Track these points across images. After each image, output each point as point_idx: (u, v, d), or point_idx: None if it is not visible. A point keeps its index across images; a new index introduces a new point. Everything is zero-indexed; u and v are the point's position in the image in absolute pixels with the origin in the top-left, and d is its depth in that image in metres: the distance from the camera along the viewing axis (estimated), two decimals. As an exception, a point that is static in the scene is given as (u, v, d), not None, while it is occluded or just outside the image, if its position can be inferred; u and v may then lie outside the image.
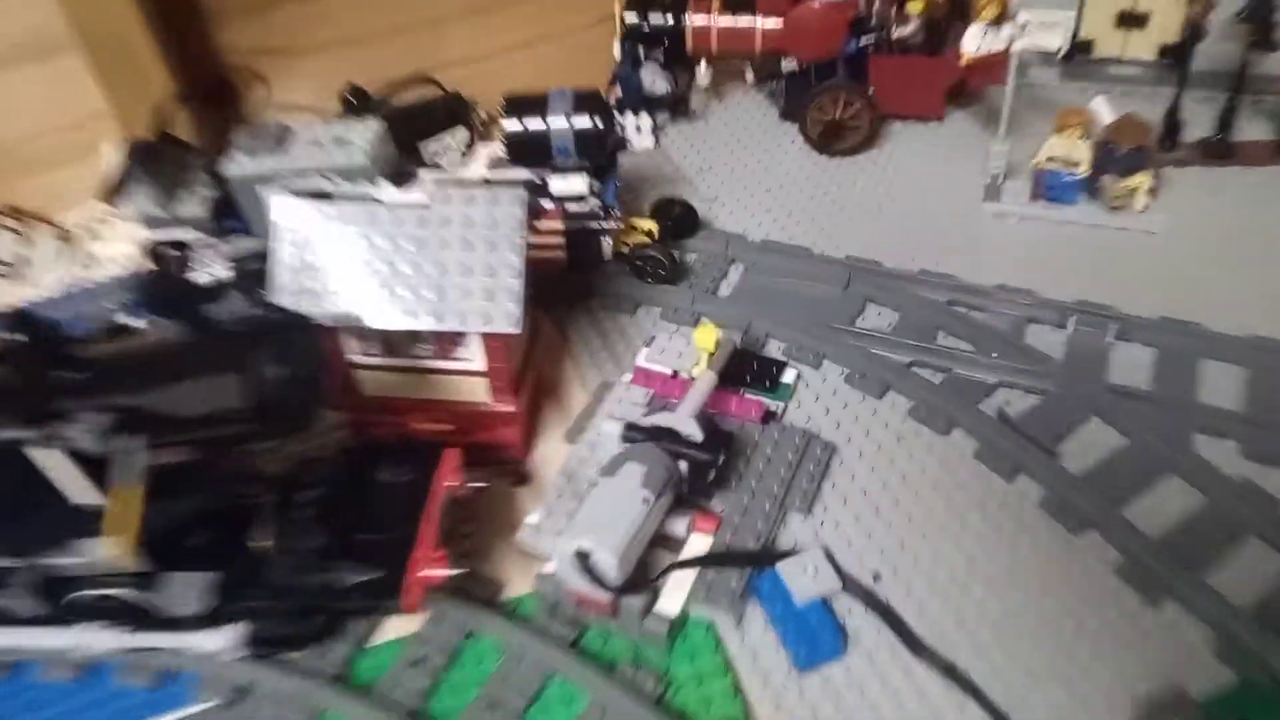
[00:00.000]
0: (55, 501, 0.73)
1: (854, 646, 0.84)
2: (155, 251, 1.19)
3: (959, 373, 1.07)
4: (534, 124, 1.08)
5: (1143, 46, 1.38)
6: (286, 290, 0.88)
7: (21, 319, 0.72)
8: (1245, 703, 0.80)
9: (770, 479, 0.96)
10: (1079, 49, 1.47)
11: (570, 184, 1.14)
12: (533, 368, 1.04)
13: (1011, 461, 0.98)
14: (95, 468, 0.72)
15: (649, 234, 1.21)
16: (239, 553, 0.84)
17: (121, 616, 0.83)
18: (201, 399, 0.69)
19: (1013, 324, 1.13)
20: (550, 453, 1.05)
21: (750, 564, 0.89)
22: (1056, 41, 1.14)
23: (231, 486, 0.85)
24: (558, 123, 1.08)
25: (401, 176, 1.00)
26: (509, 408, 0.97)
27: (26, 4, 1.28)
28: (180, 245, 1.23)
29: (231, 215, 1.16)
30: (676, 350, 1.09)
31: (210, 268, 1.23)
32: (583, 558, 0.82)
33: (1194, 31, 1.27)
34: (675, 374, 1.08)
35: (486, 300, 0.87)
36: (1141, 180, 1.22)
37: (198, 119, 1.30)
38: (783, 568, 0.88)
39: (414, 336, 0.93)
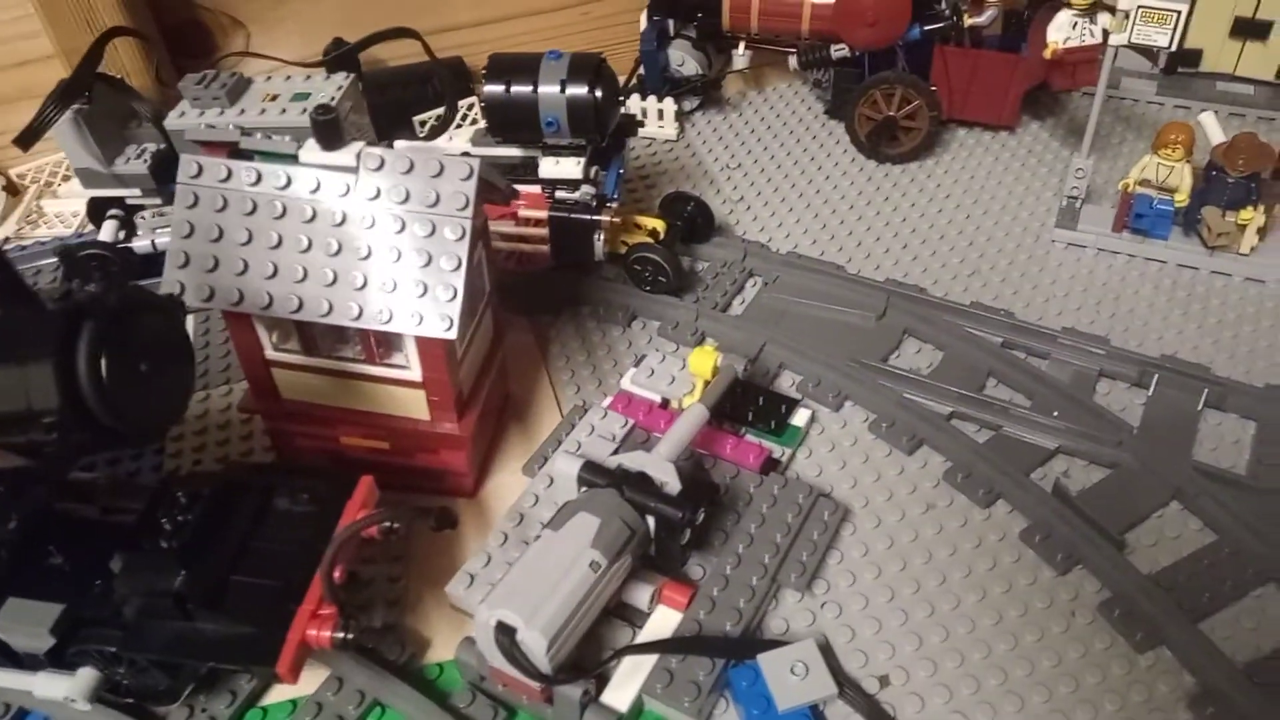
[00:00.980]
0: None
1: (846, 775, 0.68)
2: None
3: (1010, 432, 0.90)
4: (520, 89, 0.91)
5: (1261, 63, 1.18)
6: (184, 265, 0.72)
7: None
8: None
9: (763, 545, 0.78)
10: (1183, 60, 1.27)
11: (562, 167, 0.97)
12: (493, 381, 0.87)
13: (1067, 549, 0.80)
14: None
15: (653, 233, 1.03)
16: (91, 583, 0.68)
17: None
18: (1, 395, 0.52)
19: (1080, 377, 0.95)
20: (507, 483, 0.90)
21: (725, 654, 0.73)
22: (1164, 39, 0.93)
23: (88, 496, 0.69)
24: (549, 90, 0.91)
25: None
26: (451, 428, 0.80)
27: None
28: (123, 205, 1.08)
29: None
30: (669, 374, 0.92)
31: (156, 235, 1.09)
32: (507, 634, 0.65)
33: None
34: (664, 403, 0.90)
35: (418, 296, 0.70)
36: (1251, 216, 1.02)
37: (152, 61, 1.15)
38: (766, 661, 0.72)
39: (337, 332, 0.77)
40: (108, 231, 1.07)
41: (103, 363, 0.54)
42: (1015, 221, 1.15)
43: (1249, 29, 1.16)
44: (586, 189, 0.97)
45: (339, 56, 1.10)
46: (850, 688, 0.71)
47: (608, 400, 0.91)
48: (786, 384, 0.96)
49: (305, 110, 0.93)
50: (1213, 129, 1.02)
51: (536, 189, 0.98)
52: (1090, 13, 1.01)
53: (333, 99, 0.96)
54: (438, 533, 0.71)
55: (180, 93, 1.00)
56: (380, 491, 0.75)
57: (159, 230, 1.08)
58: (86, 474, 0.78)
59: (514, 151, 0.99)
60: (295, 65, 1.01)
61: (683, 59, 1.29)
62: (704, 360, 0.86)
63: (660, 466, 0.76)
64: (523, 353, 1.00)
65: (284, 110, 0.96)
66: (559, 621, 0.66)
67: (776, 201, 1.20)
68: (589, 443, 0.85)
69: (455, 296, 0.70)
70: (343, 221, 0.71)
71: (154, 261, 1.04)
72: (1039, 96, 1.29)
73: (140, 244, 1.08)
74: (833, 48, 1.22)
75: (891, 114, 1.20)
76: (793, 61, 1.26)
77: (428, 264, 0.70)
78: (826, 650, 0.74)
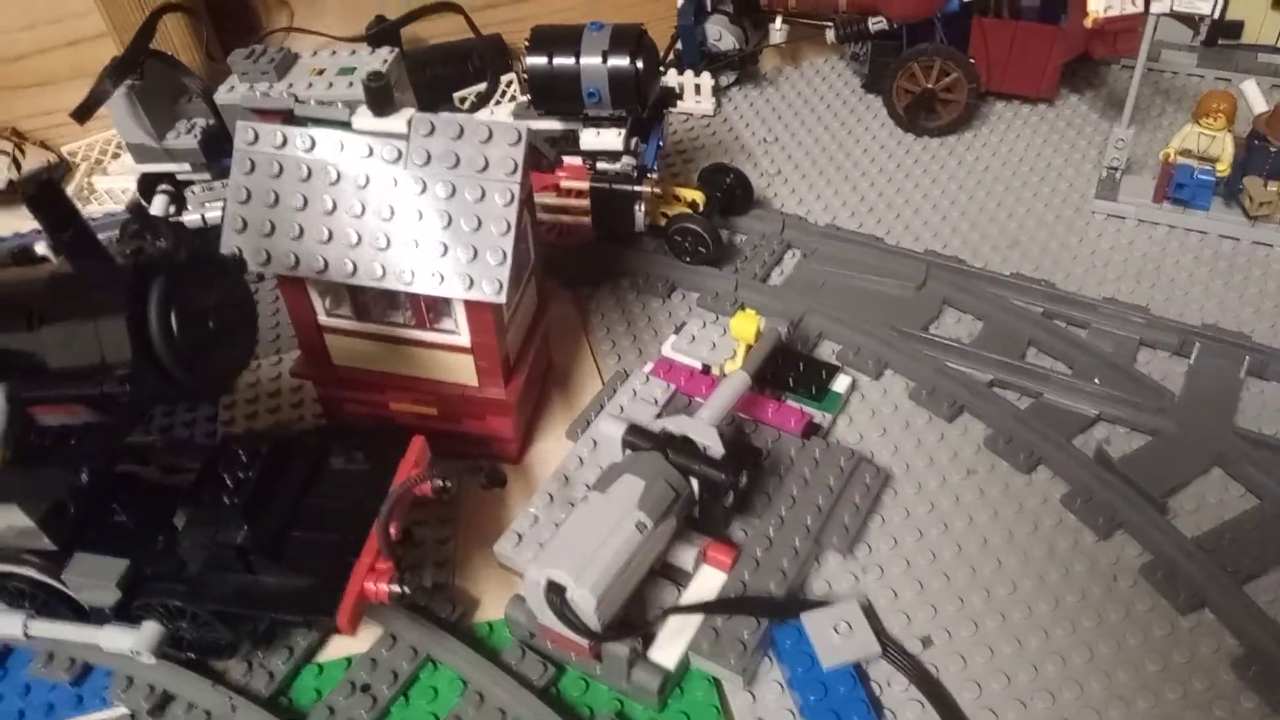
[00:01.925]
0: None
1: (888, 730, 0.68)
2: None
3: (1051, 399, 0.89)
4: (562, 61, 0.92)
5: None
6: (241, 229, 0.73)
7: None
8: None
9: (805, 507, 0.79)
10: (1224, 31, 1.26)
11: (604, 138, 0.97)
12: (537, 349, 0.88)
13: (1109, 513, 0.80)
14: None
15: (692, 205, 1.04)
16: (155, 540, 0.70)
17: (23, 599, 0.71)
18: (75, 348, 0.54)
19: (1121, 346, 0.94)
20: (551, 450, 0.91)
21: (769, 614, 0.74)
22: (1207, 6, 0.93)
23: (146, 457, 0.71)
24: (591, 62, 0.91)
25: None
26: (498, 393, 0.81)
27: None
28: (173, 180, 1.10)
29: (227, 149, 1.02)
30: (709, 340, 0.92)
31: (206, 209, 1.11)
32: (557, 592, 0.67)
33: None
34: (705, 369, 0.91)
35: (468, 261, 0.72)
36: (1294, 186, 1.01)
37: (202, 38, 1.17)
38: (809, 621, 0.72)
39: (389, 298, 0.78)
40: (159, 206, 1.09)
41: (173, 317, 0.56)
42: (1054, 193, 1.15)
43: (1293, -2, 1.15)
44: (627, 160, 0.98)
45: (381, 32, 1.11)
46: (893, 648, 0.72)
47: (649, 366, 0.92)
48: (826, 353, 0.96)
49: (351, 84, 0.94)
50: (1255, 97, 1.01)
51: (578, 161, 0.99)
52: (1133, -20, 1.01)
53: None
54: (487, 490, 0.72)
55: (229, 67, 1.02)
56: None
57: (209, 205, 1.10)
58: (143, 438, 0.81)
59: (555, 124, 1.00)
60: (340, 40, 1.02)
61: (720, 33, 1.29)
62: (747, 324, 0.86)
63: (703, 430, 0.77)
64: (565, 323, 1.01)
65: (330, 84, 0.97)
66: (607, 580, 0.67)
67: (814, 175, 1.20)
68: (632, 406, 0.86)
69: (505, 261, 0.72)
70: (395, 186, 0.72)
71: (203, 236, 1.06)
72: (1077, 68, 1.29)
73: (190, 218, 1.10)
74: (870, 21, 1.22)
75: (930, 87, 1.20)
76: (830, 35, 1.26)
77: (478, 229, 0.72)
78: (869, 611, 0.75)
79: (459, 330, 0.79)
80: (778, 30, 1.30)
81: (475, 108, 1.08)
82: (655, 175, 1.00)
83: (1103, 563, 0.78)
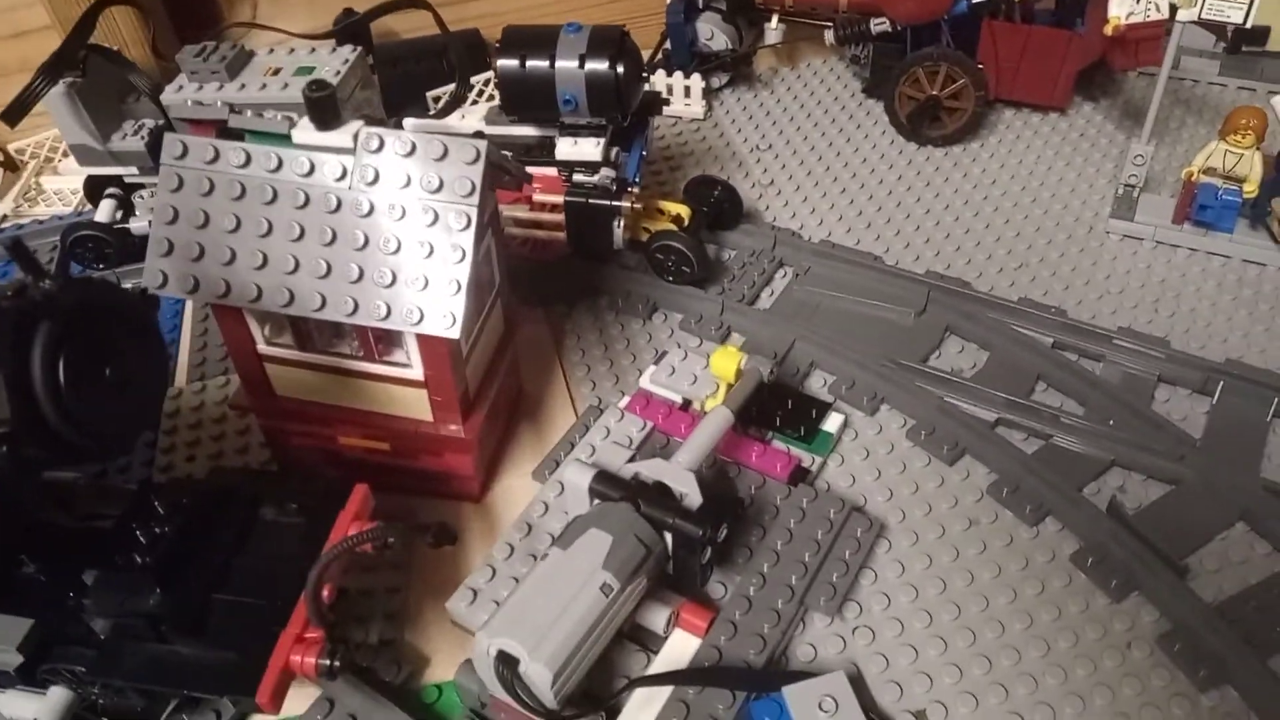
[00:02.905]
0: None
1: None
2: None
3: (1061, 442, 0.83)
4: (536, 65, 0.84)
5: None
6: (167, 253, 0.66)
7: None
8: None
9: (789, 565, 0.72)
10: (1249, 38, 1.18)
11: (581, 148, 0.90)
12: (503, 379, 0.81)
13: (1123, 574, 0.74)
14: None
15: (676, 220, 0.97)
16: (66, 596, 0.63)
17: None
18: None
19: (1138, 383, 0.88)
20: (517, 487, 0.84)
21: (746, 686, 0.67)
22: (1239, 14, 0.85)
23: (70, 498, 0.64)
24: (567, 66, 0.84)
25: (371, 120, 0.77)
26: (455, 430, 0.74)
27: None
28: (121, 184, 1.03)
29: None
30: (690, 373, 0.85)
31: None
32: (509, 665, 0.60)
33: None
34: (685, 404, 0.84)
35: (419, 290, 0.64)
36: (1327, 209, 0.94)
37: (149, 32, 1.09)
38: (791, 695, 0.66)
39: (333, 327, 0.71)
40: (105, 211, 1.02)
41: (60, 369, 0.49)
42: (1067, 210, 1.08)
43: (1325, 4, 1.07)
44: (606, 172, 0.91)
45: (348, 28, 1.04)
46: (883, 723, 0.66)
47: (625, 401, 0.85)
48: (817, 385, 0.89)
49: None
50: (1287, 114, 0.94)
51: (553, 172, 0.92)
52: (1156, -15, 0.93)
53: (337, 73, 0.90)
54: (435, 549, 0.65)
55: (178, 65, 0.94)
56: (381, 493, 0.69)
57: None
58: (66, 474, 0.74)
59: (530, 131, 0.93)
60: (302, 37, 0.95)
61: (711, 32, 1.22)
62: (727, 362, 0.79)
63: (680, 476, 0.70)
64: (536, 346, 0.94)
65: (286, 85, 0.91)
66: (566, 652, 0.60)
67: (809, 186, 1.13)
68: (603, 448, 0.79)
69: (459, 291, 0.64)
70: (338, 208, 0.65)
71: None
72: (1092, 76, 1.22)
73: (138, 225, 1.03)
74: (872, 21, 1.15)
75: (935, 93, 1.13)
76: (829, 36, 1.19)
77: (430, 255, 0.64)
78: (858, 682, 0.68)
79: (411, 363, 0.72)
80: (773, 30, 1.23)
81: (447, 109, 1.01)
82: (637, 188, 0.93)
83: (1116, 630, 0.71)
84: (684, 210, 0.98)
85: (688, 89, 1.22)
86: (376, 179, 0.65)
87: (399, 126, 0.94)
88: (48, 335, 0.48)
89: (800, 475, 0.80)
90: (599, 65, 0.84)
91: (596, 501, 0.70)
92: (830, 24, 1.18)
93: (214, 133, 0.69)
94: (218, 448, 0.87)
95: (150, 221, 1.01)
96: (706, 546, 0.68)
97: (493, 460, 0.85)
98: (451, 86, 1.16)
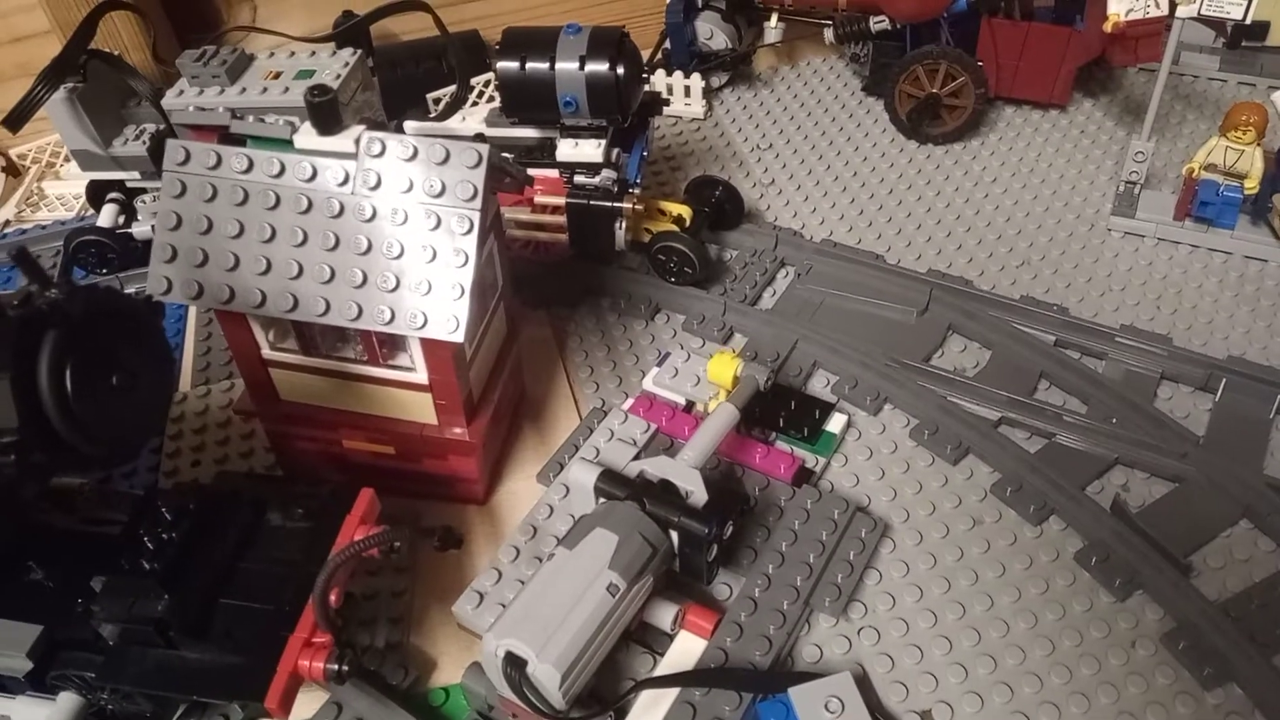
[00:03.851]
0: None
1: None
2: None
3: (1063, 440, 0.83)
4: (536, 66, 0.84)
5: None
6: (170, 259, 0.66)
7: None
8: None
9: (794, 566, 0.72)
10: (1249, 33, 1.19)
11: (582, 150, 0.90)
12: (505, 382, 0.81)
13: (1127, 573, 0.74)
14: None
15: (678, 220, 0.97)
16: (74, 602, 0.63)
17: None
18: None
19: (1140, 380, 0.88)
20: (521, 490, 0.84)
21: (752, 688, 0.67)
22: (1239, 10, 0.85)
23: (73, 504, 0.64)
24: (567, 68, 0.84)
25: (372, 124, 0.77)
26: (460, 433, 0.74)
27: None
28: (123, 189, 1.04)
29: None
30: (693, 374, 0.85)
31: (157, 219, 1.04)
32: (516, 666, 0.60)
33: None
34: (689, 406, 0.84)
35: (422, 294, 0.64)
36: (1328, 205, 0.94)
37: (150, 36, 1.09)
38: (797, 696, 0.66)
39: (338, 332, 0.71)
40: (107, 216, 1.02)
41: (66, 376, 0.49)
42: (1068, 208, 1.08)
43: (1325, -1, 1.07)
44: (607, 173, 0.91)
45: (348, 30, 1.03)
46: (889, 723, 0.66)
47: (628, 403, 0.85)
48: (820, 385, 0.90)
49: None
50: (1288, 109, 0.94)
51: (554, 173, 0.92)
52: (1157, -19, 0.93)
53: (337, 77, 0.90)
54: (441, 552, 0.66)
55: (179, 70, 0.94)
56: (386, 497, 0.69)
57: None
58: (73, 479, 0.74)
59: (530, 133, 0.93)
60: (302, 40, 0.95)
61: (711, 32, 1.22)
62: (724, 368, 0.79)
63: (685, 474, 0.70)
64: (539, 349, 0.94)
65: (286, 89, 0.90)
66: (573, 653, 0.60)
67: (810, 185, 1.13)
68: (607, 449, 0.79)
69: (462, 295, 0.64)
70: (340, 213, 0.65)
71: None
72: (1092, 72, 1.22)
73: (141, 229, 1.03)
74: (872, 19, 1.15)
75: (935, 91, 1.13)
76: (829, 34, 1.19)
77: (432, 259, 0.64)
78: (863, 682, 0.68)
79: (415, 367, 0.72)
80: (773, 29, 1.23)
81: (447, 111, 1.01)
82: (638, 189, 0.93)
83: (1120, 628, 0.72)
84: (685, 211, 0.98)
85: (688, 89, 1.22)
86: (379, 183, 0.65)
87: (399, 129, 0.94)
88: (54, 343, 0.48)
89: (804, 476, 0.80)
90: (599, 67, 0.84)
91: (602, 500, 0.70)
92: (829, 22, 1.18)
93: (216, 138, 0.69)
94: (222, 452, 0.87)
95: (153, 226, 1.03)
96: (712, 544, 0.68)
97: (497, 463, 0.85)
98: (452, 88, 1.17)
